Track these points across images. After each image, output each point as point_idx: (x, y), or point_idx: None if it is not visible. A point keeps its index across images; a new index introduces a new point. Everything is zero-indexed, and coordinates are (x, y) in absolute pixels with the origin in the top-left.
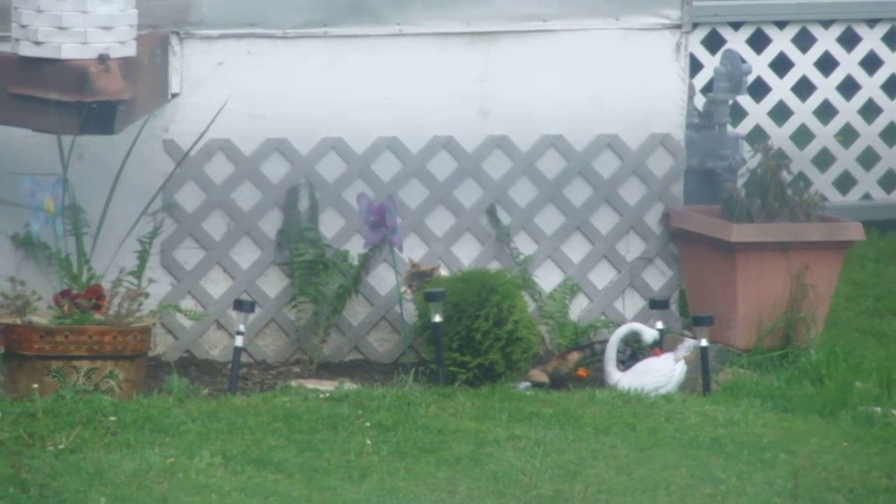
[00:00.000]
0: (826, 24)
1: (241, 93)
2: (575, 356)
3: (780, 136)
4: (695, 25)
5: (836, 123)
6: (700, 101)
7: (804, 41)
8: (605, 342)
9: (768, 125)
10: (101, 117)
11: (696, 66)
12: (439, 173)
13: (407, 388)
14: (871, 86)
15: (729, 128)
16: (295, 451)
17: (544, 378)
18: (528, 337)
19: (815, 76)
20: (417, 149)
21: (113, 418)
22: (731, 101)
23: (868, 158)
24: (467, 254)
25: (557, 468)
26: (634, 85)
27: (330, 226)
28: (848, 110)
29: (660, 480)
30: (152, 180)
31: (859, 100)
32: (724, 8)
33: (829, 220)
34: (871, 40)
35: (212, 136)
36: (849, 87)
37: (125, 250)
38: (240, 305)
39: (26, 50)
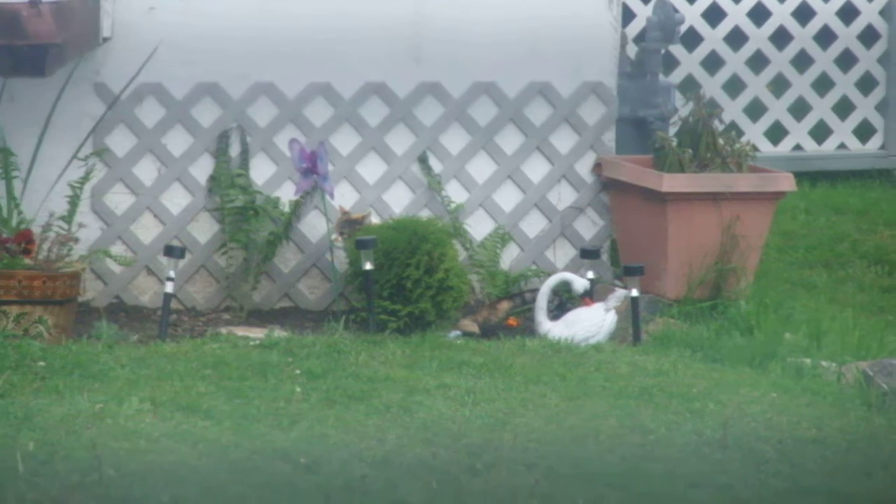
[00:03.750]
0: None
1: (172, 37)
2: (505, 305)
3: (712, 85)
4: None
5: (768, 73)
6: (633, 51)
7: None
8: (535, 291)
9: (701, 75)
10: (32, 60)
11: (628, 15)
12: (371, 119)
13: (337, 335)
14: (803, 36)
15: (661, 77)
16: (224, 398)
17: (475, 327)
18: (458, 286)
19: (748, 26)
20: (349, 94)
21: (42, 363)
22: (663, 51)
23: (800, 109)
24: (399, 201)
25: (487, 417)
26: (567, 33)
27: (261, 172)
28: (780, 60)
29: (589, 430)
30: (83, 124)
31: (791, 50)
32: None
33: (760, 170)
34: None
35: (143, 79)
36: (781, 38)
37: (55, 195)
38: (170, 251)
39: None
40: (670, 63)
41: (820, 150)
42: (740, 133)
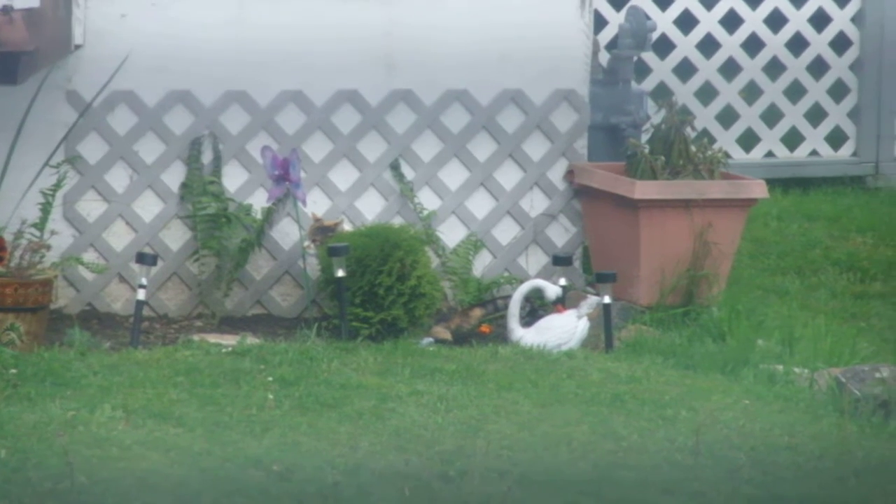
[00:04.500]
0: None
1: (144, 45)
2: (478, 312)
3: (684, 92)
4: None
5: (741, 81)
6: (605, 58)
7: None
8: (508, 298)
9: (673, 82)
10: (4, 68)
11: (600, 22)
12: (343, 127)
13: (310, 343)
14: (775, 43)
15: (633, 84)
16: (196, 405)
17: (447, 334)
18: (431, 293)
19: (720, 33)
20: (321, 102)
21: (14, 371)
22: (635, 58)
23: (772, 116)
24: (371, 209)
25: (459, 424)
26: (539, 41)
27: (233, 179)
28: (752, 68)
29: (562, 437)
30: (55, 131)
31: (763, 57)
32: None
33: (732, 177)
34: None
35: (115, 87)
36: (753, 45)
37: (27, 202)
38: (142, 258)
39: None
40: (642, 70)
41: (792, 157)
42: (712, 140)
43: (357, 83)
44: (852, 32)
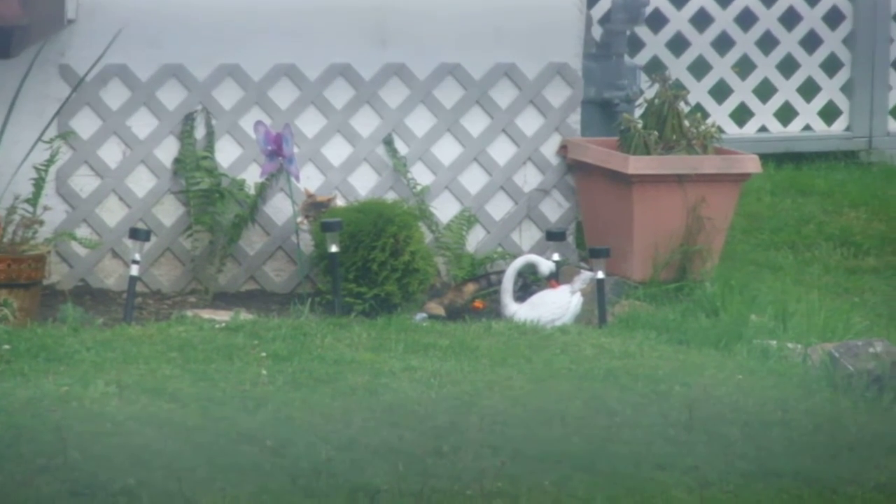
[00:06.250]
0: None
1: (137, 18)
2: (471, 288)
3: (677, 67)
4: None
5: (734, 55)
6: (598, 32)
7: None
8: (501, 273)
9: (666, 56)
10: None
11: None
12: (336, 101)
13: (303, 318)
14: (768, 18)
15: (626, 58)
16: (190, 380)
17: (440, 310)
18: (424, 268)
19: (713, 8)
20: (314, 76)
21: (7, 347)
22: (628, 32)
23: (765, 90)
24: (364, 184)
25: (453, 399)
26: (532, 14)
27: (227, 154)
28: (745, 42)
29: (555, 412)
30: (48, 106)
31: (756, 31)
32: None
33: (725, 152)
34: None
35: (108, 61)
36: (746, 19)
37: (20, 177)
38: (135, 234)
39: None
40: (636, 44)
41: (785, 132)
42: (706, 115)
43: (350, 57)
44: (845, 6)
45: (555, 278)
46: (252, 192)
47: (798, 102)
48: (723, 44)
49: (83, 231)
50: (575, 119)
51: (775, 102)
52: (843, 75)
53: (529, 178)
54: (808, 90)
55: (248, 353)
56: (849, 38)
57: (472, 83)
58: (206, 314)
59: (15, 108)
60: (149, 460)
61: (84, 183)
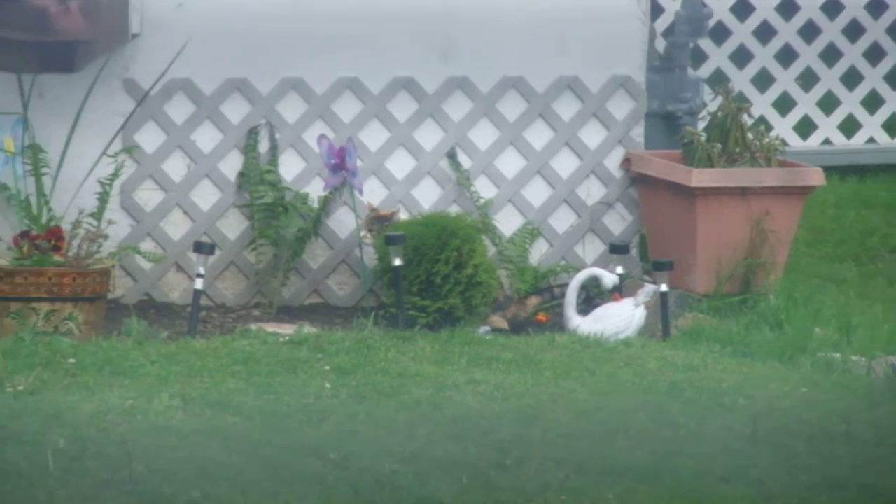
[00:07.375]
0: None
1: (202, 32)
2: (534, 301)
3: (740, 79)
4: None
5: (797, 68)
6: (661, 45)
7: None
8: (564, 286)
9: (729, 69)
10: (61, 56)
11: (657, 9)
12: (400, 115)
13: (367, 331)
14: (832, 30)
15: (690, 71)
16: (254, 394)
17: (504, 323)
18: (487, 281)
19: (776, 20)
20: (378, 89)
21: (72, 360)
22: (691, 45)
23: (828, 103)
24: (427, 197)
25: (517, 412)
26: (596, 27)
27: (290, 167)
28: (809, 54)
29: (619, 425)
30: (112, 120)
31: (820, 44)
32: None
33: (789, 164)
34: None
35: (172, 75)
36: (809, 32)
37: (85, 191)
38: (199, 247)
39: None
40: (699, 57)
41: (849, 145)
42: (769, 127)
43: (413, 70)
44: None
45: (618, 291)
46: (315, 205)
47: (862, 115)
48: (786, 56)
49: (147, 245)
50: (638, 132)
51: (839, 115)
52: None
53: (593, 191)
54: (872, 103)
55: (312, 366)
56: None
57: (535, 96)
58: (270, 328)
59: (79, 123)
60: (213, 473)
61: (148, 197)
